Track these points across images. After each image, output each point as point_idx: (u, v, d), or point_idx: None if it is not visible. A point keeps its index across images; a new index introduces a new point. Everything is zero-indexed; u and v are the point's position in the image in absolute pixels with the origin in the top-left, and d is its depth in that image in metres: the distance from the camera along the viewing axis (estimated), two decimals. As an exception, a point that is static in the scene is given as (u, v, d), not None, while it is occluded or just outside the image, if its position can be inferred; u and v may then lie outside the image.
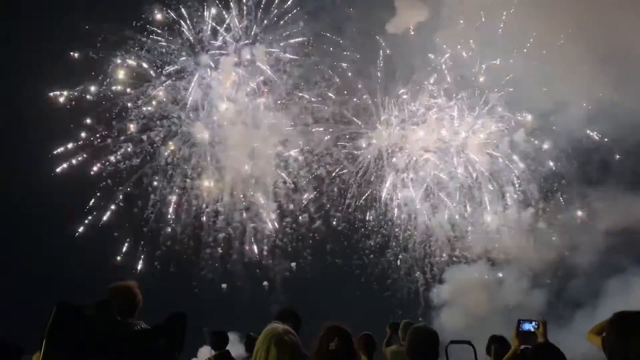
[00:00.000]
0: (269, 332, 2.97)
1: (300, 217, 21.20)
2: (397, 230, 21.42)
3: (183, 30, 20.80)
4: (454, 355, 5.66)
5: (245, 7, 21.18)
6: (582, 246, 19.05)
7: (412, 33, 20.65)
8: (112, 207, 19.88)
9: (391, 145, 21.62)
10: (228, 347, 8.53)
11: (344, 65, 21.35)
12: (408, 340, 4.23)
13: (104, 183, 19.94)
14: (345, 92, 21.53)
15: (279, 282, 20.72)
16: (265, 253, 20.78)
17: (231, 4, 21.07)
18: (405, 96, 21.54)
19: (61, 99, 19.78)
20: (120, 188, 20.07)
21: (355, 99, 21.57)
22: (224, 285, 20.35)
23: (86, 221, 19.60)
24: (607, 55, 17.50)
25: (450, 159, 21.42)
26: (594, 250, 18.52)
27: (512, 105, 21.07)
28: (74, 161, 19.67)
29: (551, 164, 21.05)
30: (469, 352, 5.64)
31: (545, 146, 21.10)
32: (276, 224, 21.06)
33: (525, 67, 19.59)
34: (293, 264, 20.96)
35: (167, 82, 20.75)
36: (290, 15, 21.10)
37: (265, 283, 20.67)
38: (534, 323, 4.18)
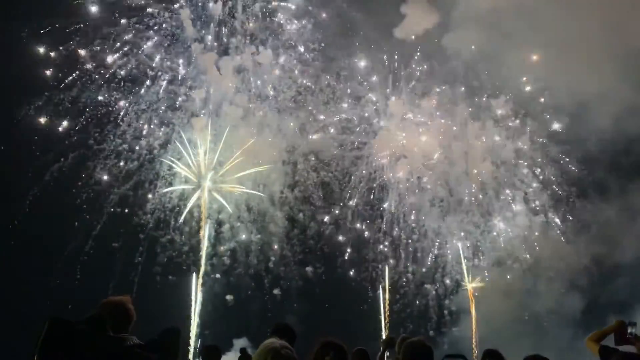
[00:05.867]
0: (266, 347, 2.93)
1: (307, 228, 20.94)
2: (404, 239, 21.13)
3: (186, 34, 20.64)
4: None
5: (251, 12, 21.05)
6: (620, 248, 18.49)
7: (421, 38, 20.46)
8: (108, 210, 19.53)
9: (396, 153, 21.43)
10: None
11: (351, 71, 21.28)
12: (402, 353, 4.28)
13: (98, 186, 19.57)
14: (352, 100, 21.47)
15: (293, 291, 20.49)
16: (271, 265, 20.50)
17: (238, 7, 20.86)
18: (409, 103, 21.42)
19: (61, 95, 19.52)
20: (116, 190, 19.70)
21: (360, 106, 21.47)
22: (228, 297, 20.04)
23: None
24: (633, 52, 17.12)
25: (459, 165, 21.21)
26: (633, 251, 17.95)
27: (535, 107, 20.77)
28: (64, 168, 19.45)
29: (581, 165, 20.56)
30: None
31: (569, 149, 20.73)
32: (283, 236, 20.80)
33: (547, 67, 19.20)
34: (309, 269, 20.68)
35: (167, 87, 20.53)
36: (297, 20, 21.07)
37: (276, 291, 20.45)
38: None
